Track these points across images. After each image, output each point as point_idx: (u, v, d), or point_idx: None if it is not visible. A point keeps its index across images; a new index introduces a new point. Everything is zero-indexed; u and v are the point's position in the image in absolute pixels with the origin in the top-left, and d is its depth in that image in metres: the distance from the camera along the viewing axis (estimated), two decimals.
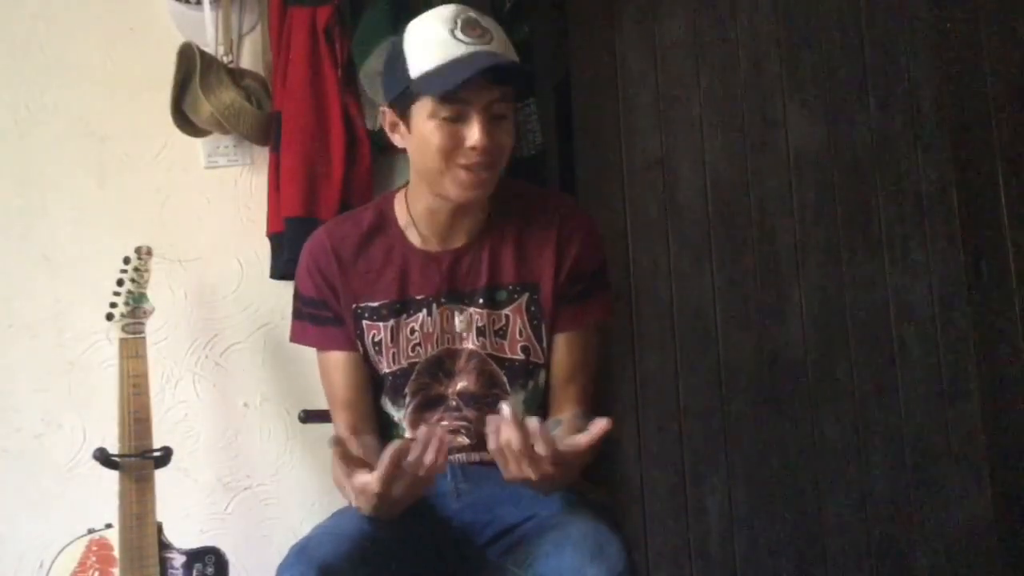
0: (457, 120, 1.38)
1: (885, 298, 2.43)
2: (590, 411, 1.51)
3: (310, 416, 1.84)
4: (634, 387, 2.38)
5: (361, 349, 1.54)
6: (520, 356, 1.51)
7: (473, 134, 1.37)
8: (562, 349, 1.53)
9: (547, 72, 2.40)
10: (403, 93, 1.41)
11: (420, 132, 1.41)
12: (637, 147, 2.45)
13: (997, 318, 2.42)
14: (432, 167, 1.42)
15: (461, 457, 1.51)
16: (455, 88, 1.35)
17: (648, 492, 2.37)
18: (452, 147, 1.39)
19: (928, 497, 2.37)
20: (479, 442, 1.49)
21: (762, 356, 2.40)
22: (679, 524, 2.36)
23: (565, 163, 2.44)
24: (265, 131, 2.07)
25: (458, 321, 1.51)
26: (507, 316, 1.51)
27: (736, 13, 2.49)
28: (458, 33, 1.37)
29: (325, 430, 1.57)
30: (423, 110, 1.39)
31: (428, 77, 1.37)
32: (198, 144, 2.14)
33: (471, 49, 1.36)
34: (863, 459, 2.38)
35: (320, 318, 1.55)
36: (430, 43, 1.38)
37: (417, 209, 1.52)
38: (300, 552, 1.30)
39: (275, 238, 2.06)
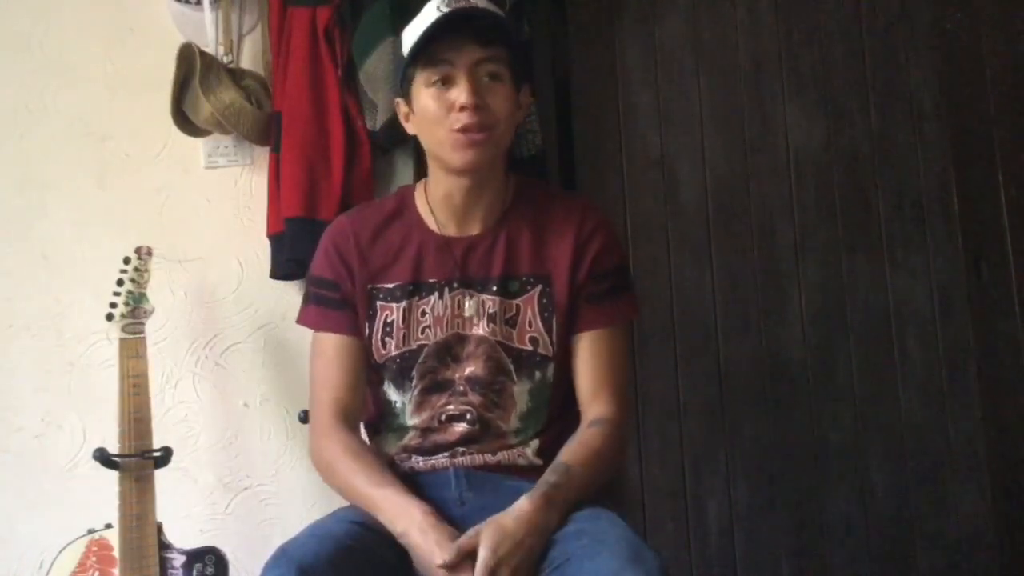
0: (446, 84, 1.45)
1: (885, 298, 2.42)
2: (619, 417, 1.52)
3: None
4: (634, 387, 2.38)
5: (367, 332, 1.54)
6: (528, 347, 1.52)
7: (460, 94, 1.44)
8: (589, 349, 1.53)
9: (547, 72, 2.40)
10: (405, 76, 1.51)
11: (419, 106, 1.49)
12: (637, 147, 2.46)
13: (997, 318, 2.42)
14: (432, 139, 1.49)
15: (465, 461, 1.50)
16: (426, 39, 1.44)
17: (648, 492, 2.37)
18: (444, 111, 1.46)
19: (928, 497, 2.37)
20: (480, 429, 1.50)
21: (762, 356, 2.40)
22: (679, 524, 2.36)
23: (565, 163, 2.44)
24: (265, 131, 2.07)
25: (467, 306, 1.52)
26: (518, 306, 1.52)
27: (736, 13, 2.49)
28: (442, 7, 1.45)
29: None
30: (420, 84, 1.48)
31: (413, 49, 1.46)
32: (198, 144, 2.14)
33: (449, 10, 1.44)
34: (863, 459, 2.38)
35: (326, 299, 1.57)
36: (418, 21, 1.47)
37: (434, 196, 1.56)
38: (282, 553, 1.31)
39: (275, 238, 2.06)
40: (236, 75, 2.08)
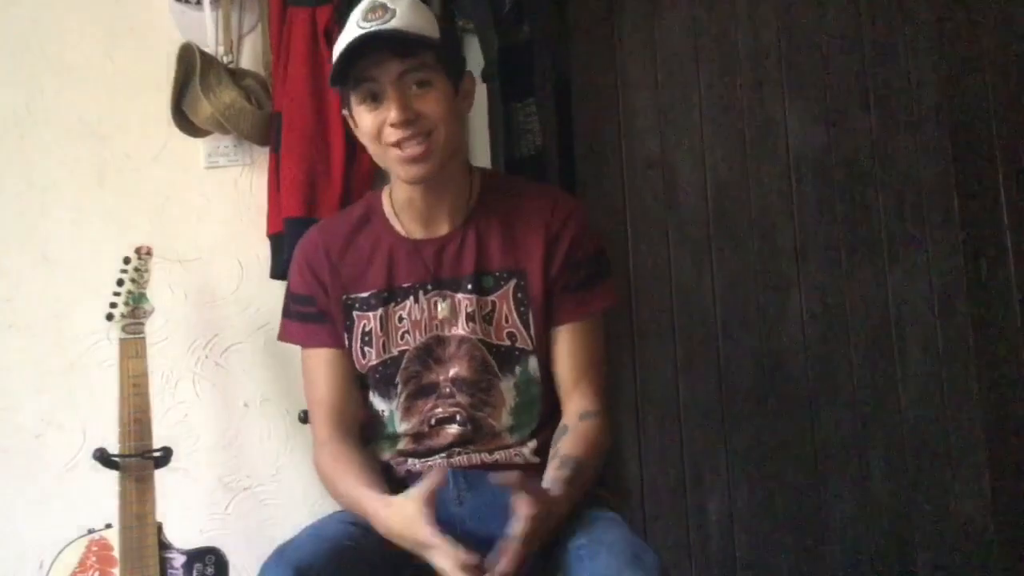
0: (377, 99, 1.44)
1: (885, 298, 2.43)
2: (605, 408, 1.52)
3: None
4: (634, 387, 2.38)
5: (347, 343, 1.54)
6: (506, 342, 1.51)
7: (390, 110, 1.42)
8: (569, 341, 1.52)
9: (547, 72, 2.40)
10: (341, 94, 1.50)
11: (359, 122, 1.48)
12: (637, 147, 2.46)
13: (997, 318, 2.42)
14: (376, 154, 1.49)
15: (463, 460, 1.50)
16: (337, 75, 1.44)
17: (648, 492, 2.37)
18: (379, 129, 1.44)
19: (928, 497, 2.37)
20: (473, 430, 1.50)
21: (762, 356, 2.40)
22: (679, 524, 2.36)
23: (565, 163, 2.44)
24: (265, 131, 2.07)
25: (440, 308, 1.51)
26: (494, 302, 1.51)
27: (736, 13, 2.49)
28: (362, 22, 1.43)
29: None
30: (355, 102, 1.47)
31: (335, 70, 1.44)
32: (198, 144, 2.14)
33: (365, 32, 1.41)
34: (863, 459, 2.38)
35: (306, 315, 1.57)
36: (342, 39, 1.45)
37: (398, 200, 1.56)
38: (279, 554, 1.31)
39: (275, 238, 2.06)
40: (236, 75, 2.08)
